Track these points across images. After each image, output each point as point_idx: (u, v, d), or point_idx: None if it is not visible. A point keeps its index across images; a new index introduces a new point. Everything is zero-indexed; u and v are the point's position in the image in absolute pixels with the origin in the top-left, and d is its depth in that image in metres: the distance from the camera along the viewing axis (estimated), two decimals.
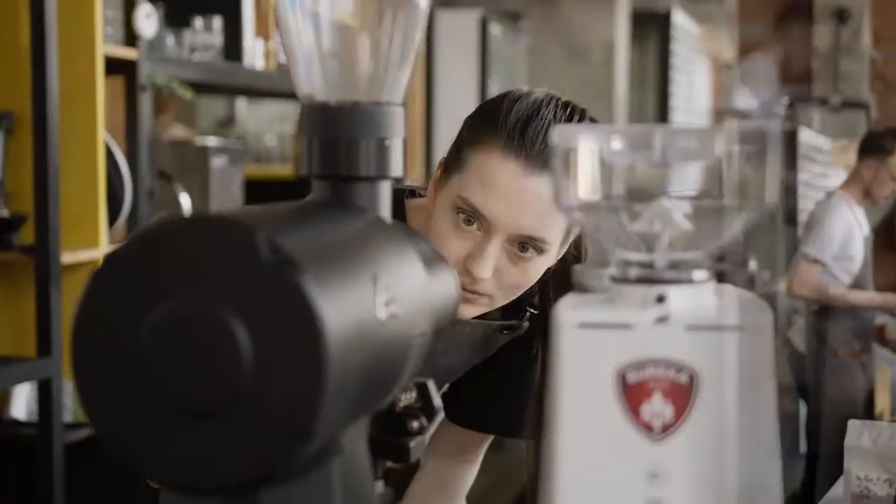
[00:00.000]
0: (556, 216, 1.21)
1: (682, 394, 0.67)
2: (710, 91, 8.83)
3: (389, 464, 0.76)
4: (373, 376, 0.67)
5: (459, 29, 5.25)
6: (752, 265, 0.72)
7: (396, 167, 0.80)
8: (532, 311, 1.38)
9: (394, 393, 0.74)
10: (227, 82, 3.33)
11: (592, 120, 1.29)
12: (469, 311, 1.26)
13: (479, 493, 1.58)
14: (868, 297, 4.31)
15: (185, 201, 2.99)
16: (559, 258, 1.29)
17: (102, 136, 2.56)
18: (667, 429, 0.67)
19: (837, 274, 4.21)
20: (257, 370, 0.59)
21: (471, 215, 1.22)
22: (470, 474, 1.51)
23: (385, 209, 0.80)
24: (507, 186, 1.20)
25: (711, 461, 0.67)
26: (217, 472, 0.60)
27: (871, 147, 4.30)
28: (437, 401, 0.78)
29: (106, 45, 2.60)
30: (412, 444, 0.75)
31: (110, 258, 0.63)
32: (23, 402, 2.66)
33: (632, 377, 0.67)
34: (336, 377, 0.59)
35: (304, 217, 0.72)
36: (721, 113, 8.44)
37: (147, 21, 2.68)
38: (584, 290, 0.77)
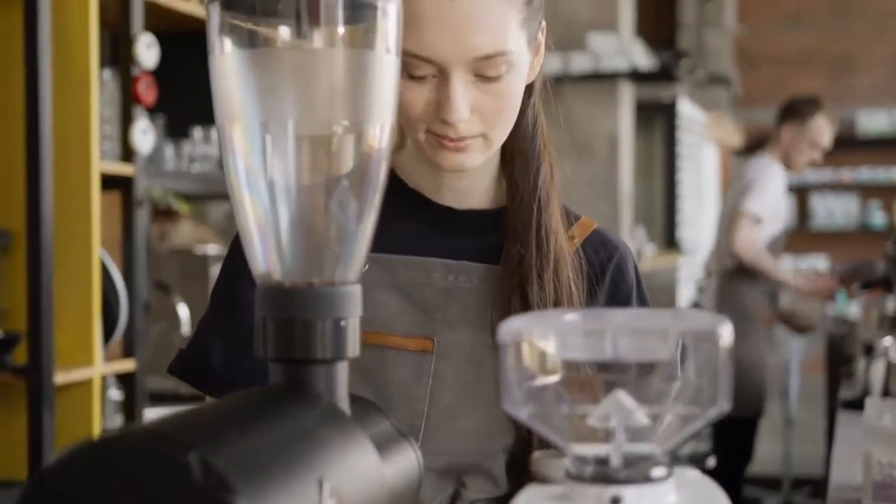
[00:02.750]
0: (504, 20, 1.10)
1: None
2: (719, 176, 8.85)
3: None
4: None
5: None
6: (711, 461, 0.70)
7: (354, 348, 0.78)
8: None
9: None
10: (226, 192, 3.33)
11: None
12: (470, 160, 1.15)
13: None
14: (795, 279, 4.39)
15: (184, 312, 2.98)
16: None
17: (98, 253, 2.56)
18: None
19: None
20: None
21: (418, 66, 1.10)
22: None
23: (342, 391, 0.78)
24: (434, 18, 1.07)
25: None
26: None
27: (791, 112, 4.40)
28: None
29: (103, 162, 2.61)
30: None
31: (36, 480, 0.61)
32: None
33: None
34: None
35: (248, 418, 0.70)
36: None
37: (144, 137, 2.69)
38: (543, 479, 0.75)
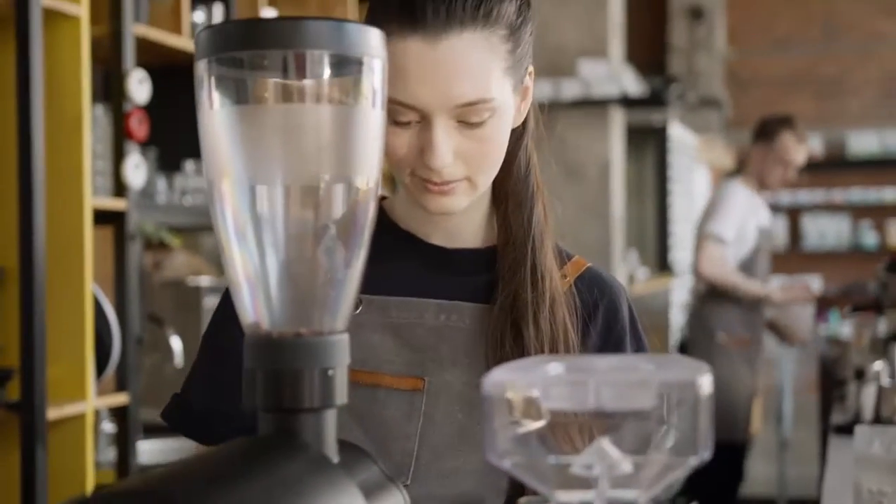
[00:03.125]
0: (487, 68, 1.11)
1: None
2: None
3: None
4: None
5: None
6: None
7: (342, 395, 0.79)
8: None
9: None
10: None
11: None
12: (454, 203, 1.16)
13: None
14: (760, 290, 4.35)
15: (177, 345, 2.98)
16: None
17: (90, 288, 2.57)
18: None
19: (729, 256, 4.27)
20: None
21: (402, 112, 1.11)
22: None
23: (330, 438, 0.79)
24: (416, 66, 1.09)
25: None
26: None
27: (760, 132, 4.40)
28: None
29: (95, 198, 2.62)
30: None
31: None
32: None
33: None
34: None
35: (236, 470, 0.71)
36: None
37: (136, 171, 2.71)
38: None
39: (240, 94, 0.79)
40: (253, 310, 0.79)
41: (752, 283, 4.32)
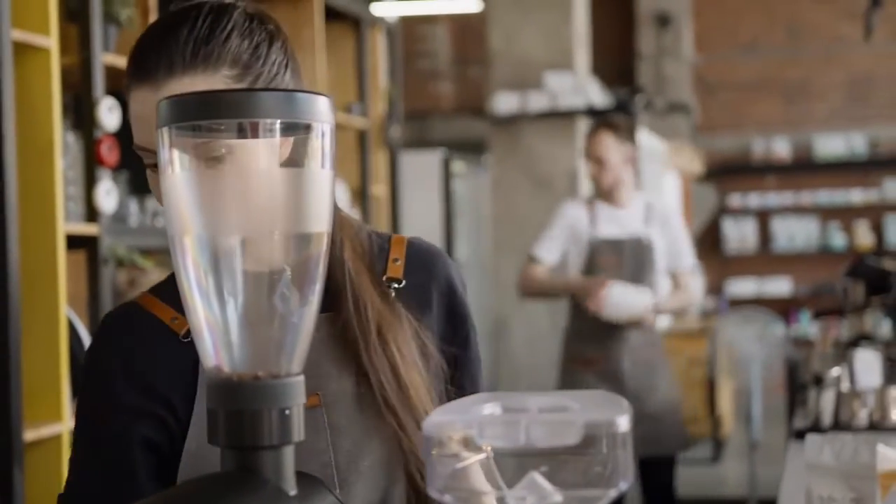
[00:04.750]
0: None
1: None
2: (681, 202, 8.98)
3: None
4: None
5: (424, 168, 5.38)
6: None
7: (299, 432, 0.86)
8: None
9: None
10: None
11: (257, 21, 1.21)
12: None
13: None
14: (563, 281, 4.18)
15: None
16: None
17: (64, 311, 2.62)
18: None
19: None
20: None
21: (147, 156, 1.20)
22: None
23: (289, 472, 0.86)
24: (145, 111, 1.18)
25: None
26: None
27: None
28: None
29: (68, 223, 2.67)
30: None
31: None
32: None
33: None
34: None
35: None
36: None
37: (107, 197, 2.77)
38: None
39: (198, 159, 0.86)
40: (214, 354, 0.86)
41: (557, 277, 4.17)
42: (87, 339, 2.71)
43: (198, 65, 1.18)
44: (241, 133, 0.86)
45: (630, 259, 4.08)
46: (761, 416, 5.87)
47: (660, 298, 4.12)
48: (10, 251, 2.47)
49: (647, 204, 4.18)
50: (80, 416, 1.27)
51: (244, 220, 0.86)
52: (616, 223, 4.10)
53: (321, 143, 0.86)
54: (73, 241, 2.74)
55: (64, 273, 2.62)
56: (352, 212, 4.39)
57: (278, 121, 0.84)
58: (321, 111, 0.85)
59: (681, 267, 4.16)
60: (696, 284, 4.19)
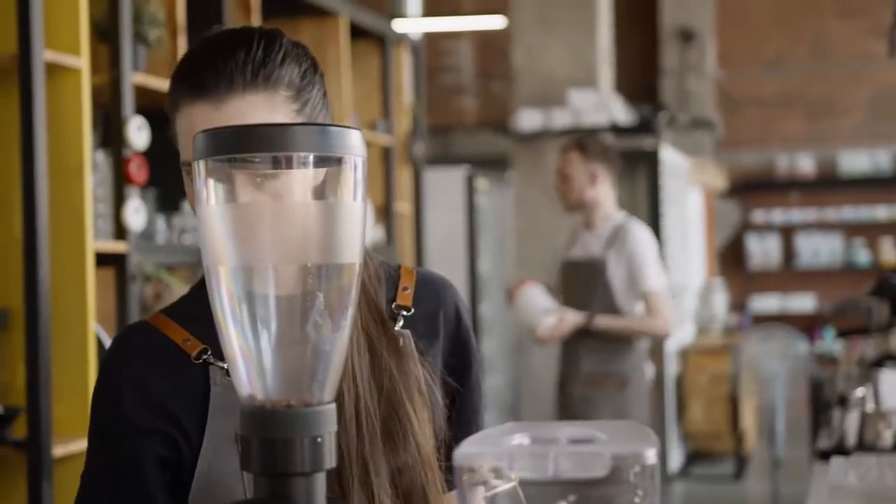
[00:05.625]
0: (280, 117, 1.19)
1: None
2: (704, 218, 8.98)
3: None
4: None
5: (448, 185, 5.40)
6: None
7: (330, 460, 0.87)
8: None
9: None
10: None
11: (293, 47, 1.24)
12: None
13: None
14: None
15: None
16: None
17: (93, 327, 2.66)
18: None
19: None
20: None
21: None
22: None
23: (320, 498, 0.87)
24: (196, 127, 1.16)
25: None
26: None
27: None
28: None
29: (97, 241, 2.71)
30: None
31: None
32: None
33: None
34: None
35: None
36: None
37: (136, 215, 2.80)
38: None
39: (233, 191, 0.88)
40: (248, 383, 0.88)
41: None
42: None
43: (259, 83, 1.20)
44: (276, 165, 0.87)
45: (582, 280, 4.13)
46: (784, 433, 5.85)
47: (575, 317, 4.05)
48: (40, 268, 2.50)
49: (615, 226, 4.14)
50: (91, 436, 1.28)
51: (277, 251, 0.88)
52: (582, 245, 4.15)
53: (353, 175, 0.87)
54: (102, 259, 2.77)
55: (93, 290, 2.65)
56: (375, 230, 4.41)
57: (312, 154, 0.86)
58: (354, 145, 0.87)
59: (645, 288, 4.07)
60: (666, 310, 4.10)
